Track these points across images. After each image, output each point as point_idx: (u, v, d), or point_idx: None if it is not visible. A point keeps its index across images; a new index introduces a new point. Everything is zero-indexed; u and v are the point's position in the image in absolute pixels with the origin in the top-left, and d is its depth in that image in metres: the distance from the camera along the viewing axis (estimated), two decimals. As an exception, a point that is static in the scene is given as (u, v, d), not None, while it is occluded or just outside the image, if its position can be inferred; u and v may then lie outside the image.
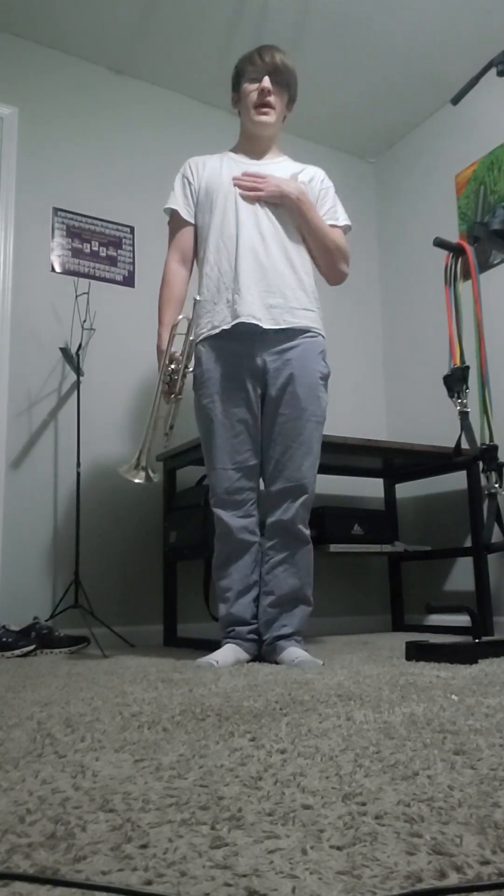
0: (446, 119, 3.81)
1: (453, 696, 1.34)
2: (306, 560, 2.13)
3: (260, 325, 2.08)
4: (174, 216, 2.32)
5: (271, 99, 2.22)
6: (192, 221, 2.29)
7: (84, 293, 3.23)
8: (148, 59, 3.50)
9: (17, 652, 2.40)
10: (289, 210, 2.17)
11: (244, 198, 2.16)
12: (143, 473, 1.99)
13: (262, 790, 0.75)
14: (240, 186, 2.16)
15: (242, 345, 2.12)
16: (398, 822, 0.64)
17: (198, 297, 2.17)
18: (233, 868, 0.54)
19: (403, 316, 4.02)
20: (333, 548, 3.07)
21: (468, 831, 0.61)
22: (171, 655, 2.39)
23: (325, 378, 2.18)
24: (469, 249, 3.17)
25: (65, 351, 2.99)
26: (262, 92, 2.21)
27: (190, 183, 2.31)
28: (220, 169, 2.27)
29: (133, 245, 3.43)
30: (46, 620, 2.70)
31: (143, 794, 0.74)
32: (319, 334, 2.19)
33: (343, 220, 2.31)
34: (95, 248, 3.33)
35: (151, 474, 2.04)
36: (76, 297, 3.20)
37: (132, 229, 3.45)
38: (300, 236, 2.22)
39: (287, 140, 4.05)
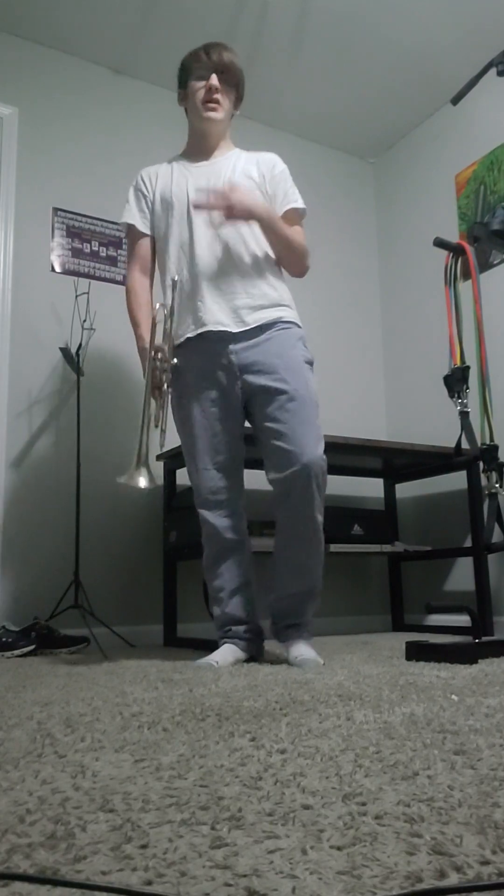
0: (446, 119, 3.81)
1: (453, 696, 1.34)
2: (319, 551, 2.04)
3: (228, 330, 2.08)
4: (131, 230, 2.29)
5: (219, 96, 2.19)
6: (149, 233, 2.27)
7: (84, 293, 3.23)
8: (148, 59, 3.50)
9: (17, 652, 2.40)
10: (261, 229, 2.14)
11: (214, 221, 2.11)
12: (144, 477, 1.94)
13: (262, 790, 0.75)
14: (210, 207, 2.06)
15: (214, 346, 2.10)
16: (398, 822, 0.64)
17: (158, 305, 2.12)
18: (233, 868, 0.54)
19: (403, 316, 4.02)
20: (333, 548, 3.07)
21: (468, 831, 0.61)
22: (171, 655, 2.39)
23: (310, 363, 2.13)
24: (469, 249, 3.17)
25: (65, 351, 2.99)
26: (210, 89, 2.17)
27: (144, 195, 2.28)
28: (171, 177, 2.25)
29: (133, 245, 3.43)
30: (46, 620, 2.70)
31: (143, 794, 0.74)
32: (294, 324, 2.15)
33: (300, 201, 2.24)
34: (95, 248, 3.33)
35: (153, 476, 1.99)
36: (76, 297, 3.20)
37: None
38: (260, 231, 2.16)
39: (287, 140, 4.06)
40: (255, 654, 2.14)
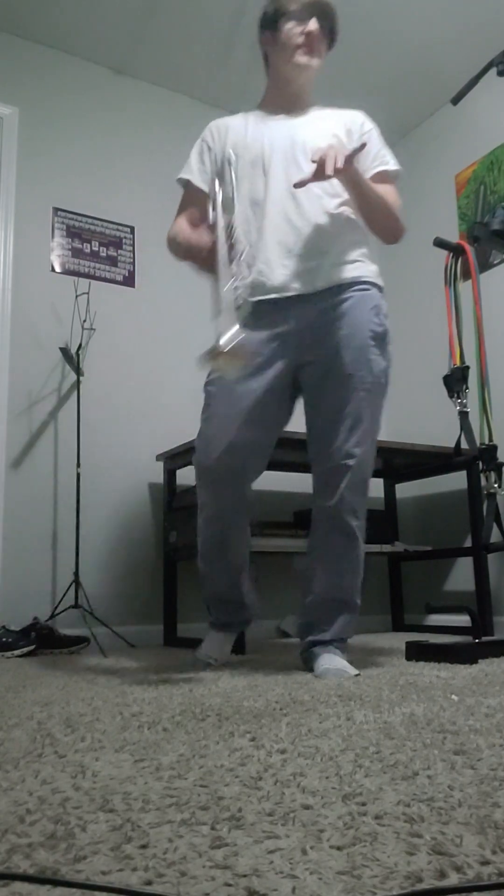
0: (446, 119, 3.81)
1: (453, 696, 1.34)
2: (352, 557, 1.83)
3: (294, 294, 1.83)
4: (188, 187, 2.03)
5: (317, 44, 1.95)
6: (206, 189, 2.00)
7: (84, 293, 3.23)
8: (148, 59, 3.50)
9: (17, 652, 2.40)
10: (348, 187, 1.85)
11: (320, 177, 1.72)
12: (235, 354, 1.62)
13: (262, 790, 0.75)
14: (316, 180, 1.72)
15: (275, 312, 1.84)
16: (398, 822, 0.64)
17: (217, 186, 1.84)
18: (233, 868, 0.54)
19: (403, 316, 4.02)
20: (333, 548, 3.07)
21: (468, 831, 0.61)
22: (171, 655, 2.39)
23: (380, 337, 1.86)
24: (469, 249, 3.17)
25: (65, 351, 2.99)
26: (310, 35, 1.92)
27: (209, 149, 2.03)
28: (244, 130, 1.99)
29: (133, 245, 3.43)
30: (46, 620, 2.70)
31: (143, 794, 0.74)
32: (374, 285, 1.90)
33: (393, 163, 2.00)
34: (95, 248, 3.33)
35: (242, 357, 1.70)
36: (76, 297, 3.20)
37: (132, 229, 3.45)
38: (341, 186, 1.88)
39: (287, 140, 4.06)
40: (243, 627, 2.12)
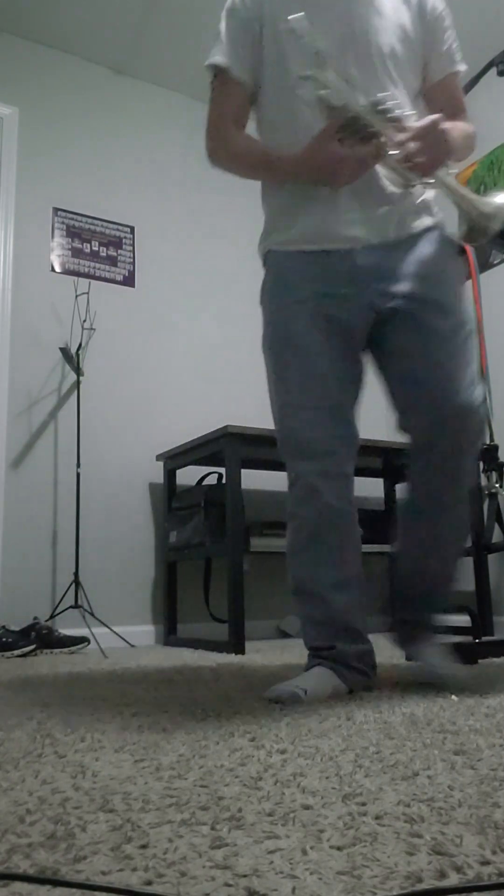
0: (446, 119, 3.81)
1: (453, 697, 1.34)
2: (458, 524, 1.55)
3: (365, 243, 1.53)
4: (219, 75, 1.63)
5: None
6: (245, 79, 1.61)
7: (84, 293, 3.23)
8: (148, 59, 3.50)
9: (17, 652, 2.40)
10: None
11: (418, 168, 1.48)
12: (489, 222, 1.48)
13: (262, 790, 0.75)
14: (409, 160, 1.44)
15: (341, 261, 1.53)
16: (398, 822, 0.64)
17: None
18: (233, 868, 0.54)
19: (403, 316, 4.02)
20: (333, 548, 3.07)
21: (468, 831, 0.61)
22: (171, 655, 2.39)
23: (461, 281, 1.62)
24: (469, 249, 3.17)
25: (65, 351, 2.99)
26: None
27: (244, 23, 1.57)
28: (289, 3, 1.51)
29: (133, 245, 3.43)
30: (46, 620, 2.70)
31: (143, 794, 0.74)
32: (441, 229, 1.64)
33: (461, 63, 1.66)
34: (95, 248, 3.33)
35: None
36: (76, 297, 3.20)
37: (132, 229, 3.45)
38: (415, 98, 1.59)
39: (287, 140, 4.06)
40: (356, 686, 1.44)
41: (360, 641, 1.47)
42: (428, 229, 1.61)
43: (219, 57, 1.60)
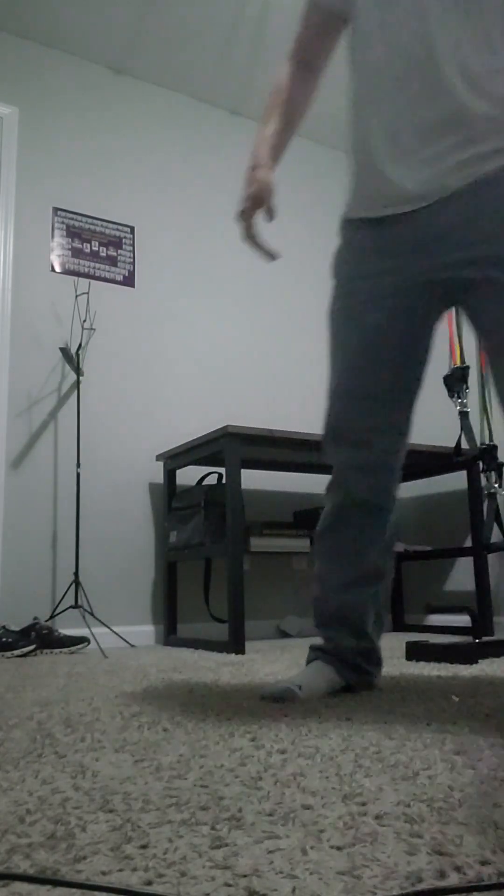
0: (446, 119, 3.81)
1: (453, 697, 1.34)
2: None
3: (428, 197, 1.33)
4: (307, 4, 1.50)
5: None
6: (334, 7, 1.46)
7: (84, 293, 3.23)
8: (148, 59, 3.50)
9: (17, 652, 2.40)
10: None
11: None
12: None
13: (262, 790, 0.75)
14: None
15: (406, 229, 1.36)
16: (398, 822, 0.64)
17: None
18: (233, 868, 0.54)
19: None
20: (333, 548, 3.07)
21: (468, 831, 0.61)
22: (171, 655, 2.39)
23: None
24: None
25: (65, 351, 2.99)
26: None
27: None
28: None
29: (133, 245, 3.43)
30: (46, 620, 2.70)
31: (143, 794, 0.74)
32: None
33: None
34: (95, 248, 3.33)
35: None
36: (76, 297, 3.20)
37: (132, 229, 3.45)
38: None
39: (287, 140, 4.06)
40: (357, 683, 1.44)
41: (363, 639, 1.44)
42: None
43: None
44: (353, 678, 1.43)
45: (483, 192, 1.28)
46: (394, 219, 1.38)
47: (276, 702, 1.31)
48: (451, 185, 1.30)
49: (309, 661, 1.48)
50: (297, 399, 3.70)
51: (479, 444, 3.15)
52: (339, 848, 0.57)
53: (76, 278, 3.24)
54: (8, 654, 2.39)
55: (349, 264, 1.46)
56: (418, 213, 1.34)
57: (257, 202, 1.43)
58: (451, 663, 1.90)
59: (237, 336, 3.61)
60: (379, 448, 1.45)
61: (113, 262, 3.37)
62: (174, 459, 3.03)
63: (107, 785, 0.78)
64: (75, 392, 3.12)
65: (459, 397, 3.10)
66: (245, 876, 0.52)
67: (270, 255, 1.47)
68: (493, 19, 1.28)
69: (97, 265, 3.32)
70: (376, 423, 1.44)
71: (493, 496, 3.05)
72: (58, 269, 3.22)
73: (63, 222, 3.28)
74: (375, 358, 1.42)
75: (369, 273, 1.42)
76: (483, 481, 3.13)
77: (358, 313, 1.43)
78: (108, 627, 2.82)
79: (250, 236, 1.46)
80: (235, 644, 2.41)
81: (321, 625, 1.47)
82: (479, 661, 1.95)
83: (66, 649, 2.56)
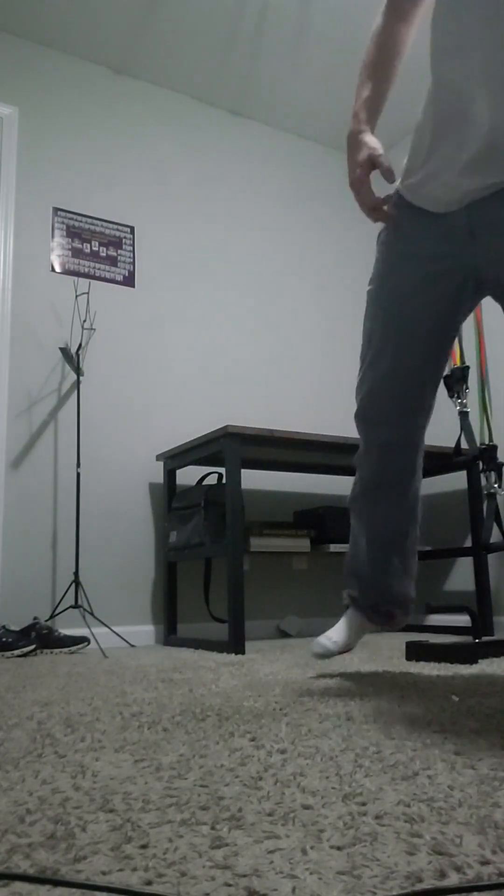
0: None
1: (453, 697, 1.34)
2: None
3: (483, 189, 1.33)
4: None
5: None
6: None
7: (84, 293, 3.23)
8: (148, 59, 3.50)
9: (17, 652, 2.40)
10: None
11: None
12: None
13: (262, 790, 0.75)
14: None
15: (461, 218, 1.39)
16: (398, 822, 0.64)
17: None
18: (233, 868, 0.54)
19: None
20: (333, 548, 3.07)
21: (468, 831, 0.61)
22: (171, 655, 2.39)
23: None
24: None
25: (65, 351, 2.99)
26: None
27: None
28: None
29: (133, 245, 3.43)
30: (46, 620, 2.70)
31: (143, 794, 0.74)
32: None
33: None
34: (95, 248, 3.33)
35: None
36: (76, 297, 3.20)
37: (132, 229, 3.45)
38: None
39: (286, 139, 4.06)
40: (388, 627, 1.68)
41: (389, 588, 1.60)
42: None
43: None
44: (383, 622, 1.64)
45: None
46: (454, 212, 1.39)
47: (321, 658, 1.57)
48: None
49: (345, 608, 1.70)
50: (297, 399, 3.70)
51: (478, 444, 3.15)
52: (339, 848, 0.57)
53: (76, 278, 3.24)
54: (8, 654, 2.39)
55: (396, 241, 1.48)
56: (475, 204, 1.35)
57: (369, 167, 1.39)
58: (451, 663, 1.90)
59: (237, 336, 3.61)
60: (405, 427, 1.55)
61: (113, 262, 3.37)
62: (174, 459, 3.03)
63: (107, 785, 0.78)
64: (75, 392, 3.12)
65: (459, 397, 3.10)
66: (245, 876, 0.52)
67: (393, 219, 1.43)
68: None
69: (97, 265, 3.32)
70: (404, 403, 1.53)
71: (492, 496, 3.05)
72: (58, 269, 3.22)
73: (63, 222, 3.28)
74: (410, 343, 1.48)
75: (416, 254, 1.44)
76: (483, 481, 3.13)
77: (397, 295, 1.47)
78: (108, 627, 2.82)
79: (372, 202, 1.41)
80: (235, 644, 2.41)
81: (352, 574, 1.65)
82: (479, 661, 1.95)
83: (66, 649, 2.56)
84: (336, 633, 1.66)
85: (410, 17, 1.49)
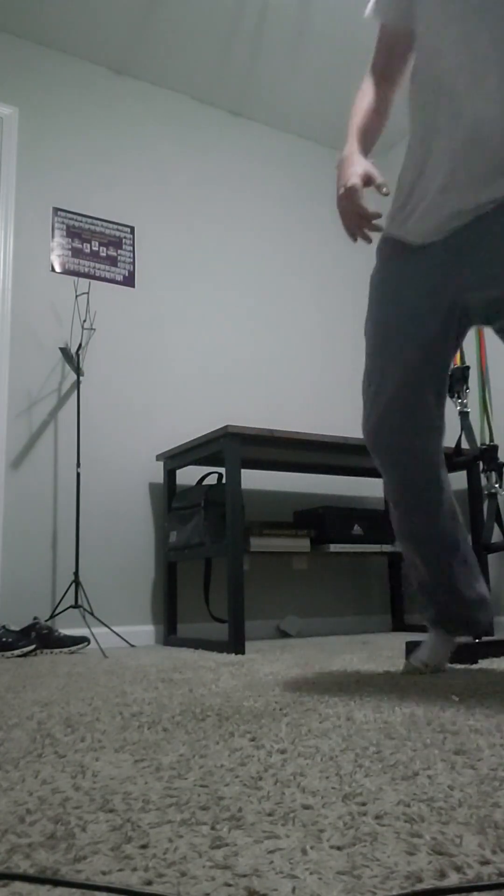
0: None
1: (453, 697, 1.34)
2: None
3: (456, 221, 1.44)
4: (379, 25, 1.59)
5: None
6: (401, 21, 1.54)
7: (84, 293, 3.23)
8: (148, 59, 3.50)
9: (17, 652, 2.40)
10: None
11: None
12: None
13: (262, 790, 0.75)
14: None
15: (448, 254, 1.48)
16: (398, 822, 0.64)
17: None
18: (233, 868, 0.54)
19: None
20: (333, 548, 3.07)
21: (468, 831, 0.61)
22: (171, 655, 2.39)
23: None
24: None
25: (65, 351, 2.99)
26: None
27: None
28: None
29: (133, 245, 3.43)
30: (46, 620, 2.70)
31: (143, 794, 0.74)
32: None
33: None
34: (95, 248, 3.33)
35: None
36: (76, 297, 3.20)
37: (132, 229, 3.45)
38: None
39: (287, 140, 4.06)
40: (476, 634, 1.66)
41: (462, 596, 1.60)
42: None
43: (369, 10, 1.59)
44: (466, 630, 1.63)
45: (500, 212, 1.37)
46: (432, 244, 1.48)
47: (410, 674, 1.63)
48: (476, 204, 1.39)
49: (428, 631, 1.71)
50: (297, 399, 3.70)
51: (479, 444, 3.15)
52: (339, 848, 0.57)
53: (76, 278, 3.24)
54: (8, 654, 2.39)
55: (388, 282, 1.56)
56: (453, 235, 1.45)
57: (365, 178, 1.45)
58: (451, 663, 1.90)
59: (237, 336, 3.61)
60: (418, 453, 1.58)
61: (113, 262, 3.37)
62: (174, 459, 3.03)
63: (107, 785, 0.78)
64: (75, 392, 3.12)
65: (459, 397, 3.10)
66: (245, 876, 0.52)
67: (369, 238, 1.51)
68: None
69: (97, 265, 3.32)
70: (412, 431, 1.56)
71: (493, 496, 3.05)
72: (58, 269, 3.22)
73: (63, 222, 3.28)
74: (406, 376, 1.54)
75: (407, 294, 1.53)
76: (483, 481, 3.13)
77: (391, 334, 1.55)
78: (108, 627, 2.82)
79: (363, 210, 1.46)
80: (235, 644, 2.41)
81: (422, 595, 1.66)
82: (479, 661, 1.95)
83: (66, 649, 2.56)
84: (424, 654, 1.68)
85: (392, 80, 1.63)
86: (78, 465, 2.89)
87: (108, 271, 3.35)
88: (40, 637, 2.52)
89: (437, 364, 1.54)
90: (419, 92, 1.46)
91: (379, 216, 1.45)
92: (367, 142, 1.57)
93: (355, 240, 1.52)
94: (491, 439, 3.17)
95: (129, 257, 3.41)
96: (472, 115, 1.35)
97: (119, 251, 3.39)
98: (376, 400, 1.58)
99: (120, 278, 3.36)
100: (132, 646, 2.90)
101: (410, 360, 1.53)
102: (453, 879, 0.51)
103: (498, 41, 1.30)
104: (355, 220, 1.49)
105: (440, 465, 1.60)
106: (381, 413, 1.57)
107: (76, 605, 2.69)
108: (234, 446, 2.57)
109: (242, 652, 2.41)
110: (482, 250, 1.41)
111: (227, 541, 2.49)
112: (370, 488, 3.79)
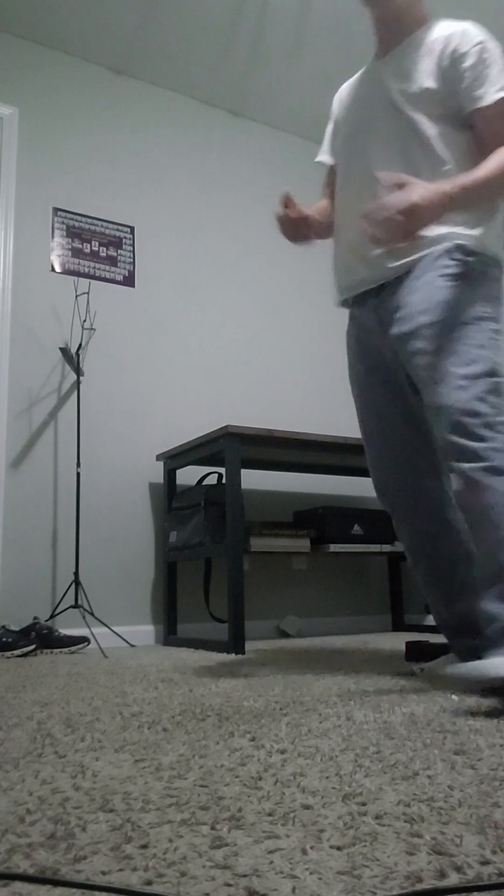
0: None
1: (453, 697, 1.34)
2: (485, 498, 1.36)
3: (371, 281, 1.68)
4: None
5: None
6: (332, 162, 1.90)
7: (84, 293, 3.23)
8: (148, 59, 3.50)
9: (17, 652, 2.40)
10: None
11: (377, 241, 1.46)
12: None
13: (262, 790, 0.75)
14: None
15: (369, 314, 1.72)
16: (398, 822, 0.64)
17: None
18: (233, 868, 0.54)
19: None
20: (333, 548, 3.07)
21: (468, 831, 0.61)
22: (171, 655, 2.39)
23: (457, 276, 1.51)
24: None
25: (65, 351, 2.99)
26: None
27: (334, 117, 1.88)
28: (349, 92, 1.80)
29: (133, 245, 3.43)
30: (46, 620, 2.70)
31: (143, 794, 0.74)
32: (445, 240, 1.54)
33: (494, 93, 1.53)
34: (95, 248, 3.33)
35: None
36: (76, 297, 3.20)
37: (132, 229, 3.45)
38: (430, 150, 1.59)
39: (286, 140, 4.06)
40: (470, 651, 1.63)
41: (473, 614, 1.58)
42: (430, 246, 1.57)
43: (319, 156, 1.95)
44: (466, 651, 1.63)
45: (408, 275, 1.60)
46: (362, 297, 1.72)
47: (409, 674, 1.67)
48: (385, 272, 1.64)
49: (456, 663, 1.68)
50: (297, 399, 3.70)
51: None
52: (339, 848, 0.57)
53: (76, 278, 3.24)
54: (8, 654, 2.39)
55: (349, 345, 1.80)
56: (370, 295, 1.69)
57: (286, 200, 1.79)
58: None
59: (237, 336, 3.61)
60: (416, 493, 1.68)
61: (113, 262, 3.37)
62: (174, 459, 3.03)
63: (107, 785, 0.78)
64: (75, 392, 3.12)
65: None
66: (245, 876, 0.52)
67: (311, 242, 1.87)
68: (415, 153, 1.61)
69: (97, 265, 3.32)
70: (405, 473, 1.69)
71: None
72: (58, 269, 3.22)
73: (63, 222, 3.28)
74: (385, 426, 1.71)
75: (359, 352, 1.76)
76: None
77: (359, 390, 1.76)
78: (108, 627, 2.82)
79: (297, 211, 1.79)
80: (235, 644, 2.41)
81: (452, 637, 1.68)
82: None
83: (66, 649, 2.56)
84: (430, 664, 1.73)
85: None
86: (78, 465, 2.89)
87: (108, 271, 3.35)
88: (40, 637, 2.52)
89: (412, 412, 1.69)
90: (337, 198, 1.81)
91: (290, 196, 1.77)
92: (314, 212, 1.87)
93: (295, 237, 1.81)
94: (491, 439, 3.16)
95: (129, 257, 3.41)
96: (346, 238, 1.74)
97: (119, 251, 3.39)
98: (368, 449, 1.77)
99: (120, 278, 3.36)
100: (132, 646, 2.90)
101: (386, 412, 1.71)
102: (453, 879, 0.51)
103: (355, 194, 1.70)
104: (290, 227, 1.79)
105: (444, 504, 1.66)
106: (375, 460, 1.74)
107: (76, 605, 2.69)
108: (234, 446, 2.57)
109: (242, 652, 2.41)
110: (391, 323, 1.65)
111: (227, 541, 2.49)
112: (370, 488, 3.79)
